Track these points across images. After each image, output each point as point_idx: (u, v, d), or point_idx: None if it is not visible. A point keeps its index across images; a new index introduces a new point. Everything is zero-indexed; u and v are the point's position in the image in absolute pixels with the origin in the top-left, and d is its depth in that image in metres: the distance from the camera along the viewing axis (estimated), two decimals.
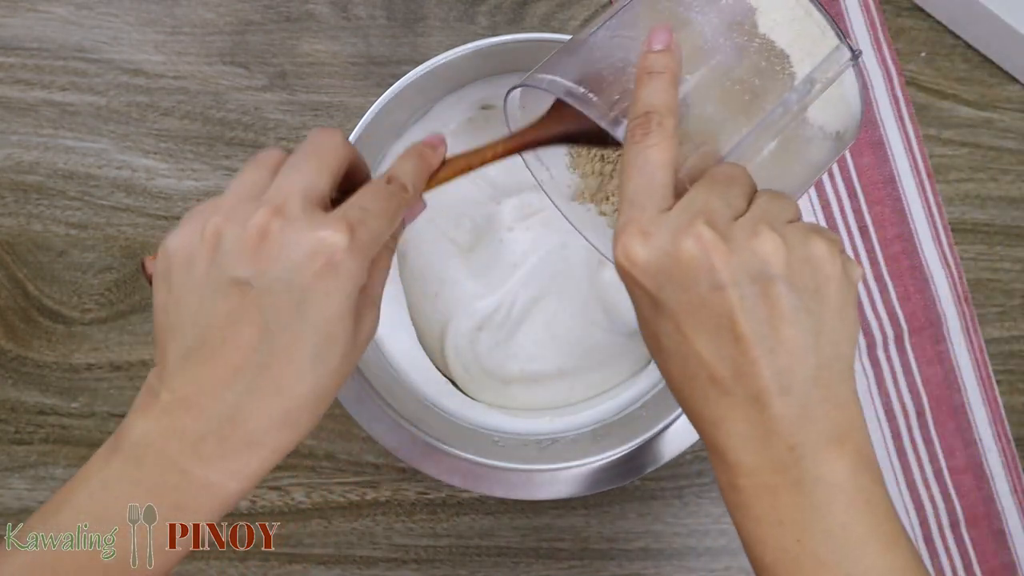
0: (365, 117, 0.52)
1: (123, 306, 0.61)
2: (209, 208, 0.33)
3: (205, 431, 0.32)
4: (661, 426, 0.51)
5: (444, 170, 0.38)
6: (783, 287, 0.31)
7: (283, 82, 0.61)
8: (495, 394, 0.57)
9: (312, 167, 0.34)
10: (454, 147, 0.57)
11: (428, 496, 0.60)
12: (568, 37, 0.52)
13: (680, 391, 0.33)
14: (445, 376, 0.57)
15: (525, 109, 0.43)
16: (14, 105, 0.61)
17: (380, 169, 0.56)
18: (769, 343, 0.31)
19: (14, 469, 0.60)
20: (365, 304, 0.34)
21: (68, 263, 0.61)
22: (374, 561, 0.60)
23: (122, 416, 0.61)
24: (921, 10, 0.63)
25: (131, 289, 0.61)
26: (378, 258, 0.35)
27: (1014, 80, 0.63)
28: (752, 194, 0.33)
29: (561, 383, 0.57)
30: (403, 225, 0.37)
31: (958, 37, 0.63)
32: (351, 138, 0.52)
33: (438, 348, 0.57)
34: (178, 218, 0.61)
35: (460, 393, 0.57)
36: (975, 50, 0.63)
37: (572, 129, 0.40)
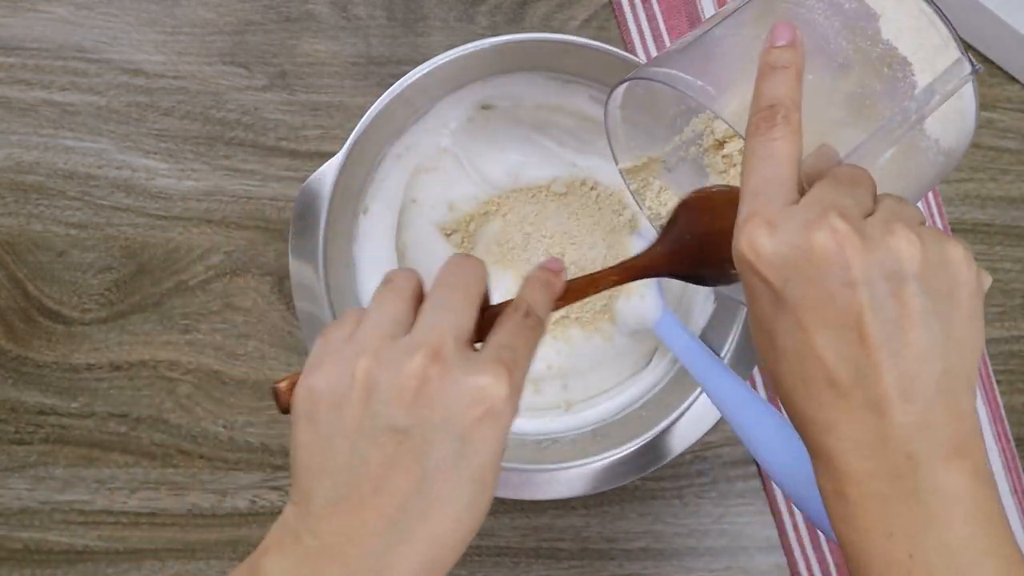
0: (365, 117, 0.52)
1: (123, 306, 0.61)
2: (347, 345, 0.32)
3: None
4: (661, 426, 0.51)
5: (562, 299, 0.37)
6: (916, 288, 0.29)
7: (283, 82, 0.61)
8: None
9: (460, 304, 0.33)
10: (455, 147, 0.57)
11: None
12: (568, 37, 0.52)
13: (791, 393, 0.32)
14: None
15: (624, 110, 0.42)
16: (14, 105, 0.61)
17: (378, 171, 0.56)
18: (895, 345, 0.29)
19: (14, 469, 0.60)
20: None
21: (68, 263, 0.61)
22: None
23: (122, 416, 0.61)
24: None
25: (131, 289, 0.61)
26: None
27: (1014, 80, 0.63)
28: (876, 197, 0.32)
29: (560, 383, 0.57)
30: None
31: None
32: (351, 138, 0.52)
33: None
34: (178, 218, 0.61)
35: None
36: (975, 50, 0.63)
37: (683, 267, 0.40)
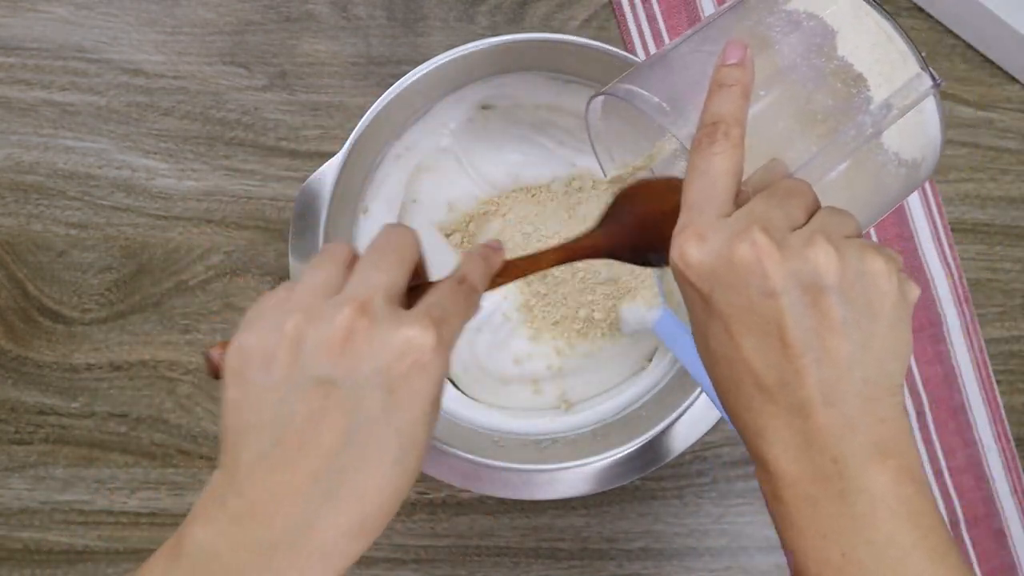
0: (365, 117, 0.52)
1: (123, 306, 0.61)
2: (283, 304, 0.32)
3: (277, 541, 0.30)
4: (661, 426, 0.51)
5: (502, 275, 0.39)
6: (835, 298, 0.31)
7: (283, 82, 0.61)
8: (494, 394, 0.57)
9: (392, 263, 0.33)
10: (455, 147, 0.57)
11: (428, 496, 0.60)
12: (568, 37, 0.52)
13: (726, 397, 0.33)
14: (445, 376, 0.57)
15: (607, 120, 0.43)
16: (14, 105, 0.61)
17: (378, 171, 0.56)
18: (816, 353, 0.31)
19: (14, 469, 0.60)
20: (438, 401, 0.34)
21: (68, 263, 0.61)
22: (374, 561, 0.60)
23: (122, 416, 0.61)
24: (921, 10, 0.63)
25: (131, 289, 0.61)
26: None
27: (1014, 80, 0.63)
28: (814, 209, 0.33)
29: (560, 383, 0.57)
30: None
31: (958, 37, 0.63)
32: (351, 138, 0.52)
33: None
34: (178, 218, 0.61)
35: (460, 393, 0.57)
36: (975, 50, 0.63)
37: (627, 243, 0.41)
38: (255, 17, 0.62)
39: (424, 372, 0.31)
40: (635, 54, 0.61)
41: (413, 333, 0.31)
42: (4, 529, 0.60)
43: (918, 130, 0.38)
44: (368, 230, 0.57)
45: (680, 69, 0.38)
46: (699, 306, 0.33)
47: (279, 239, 0.61)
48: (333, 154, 0.53)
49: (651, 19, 0.62)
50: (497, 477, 0.52)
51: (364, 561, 0.60)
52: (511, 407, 0.57)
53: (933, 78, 0.37)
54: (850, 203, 0.36)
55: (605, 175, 0.46)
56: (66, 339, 0.61)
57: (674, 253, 0.33)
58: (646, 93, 0.36)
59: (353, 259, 0.34)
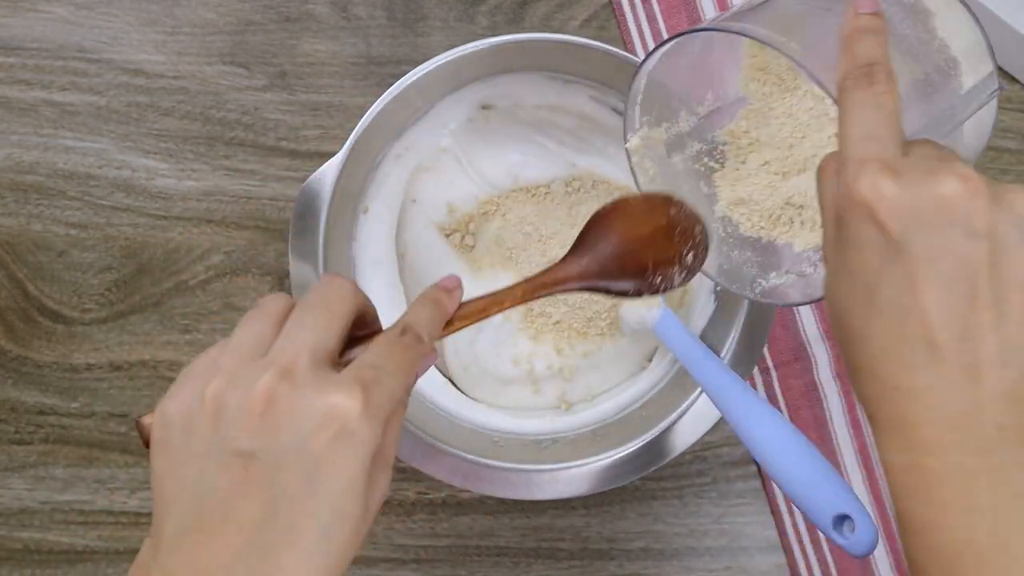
0: (365, 117, 0.52)
1: (123, 306, 0.61)
2: (209, 367, 0.31)
3: None
4: (661, 426, 0.51)
5: (459, 317, 0.36)
6: None
7: (283, 82, 0.61)
8: (495, 394, 0.57)
9: (321, 322, 0.32)
10: (455, 147, 0.57)
11: (428, 496, 0.60)
12: (568, 37, 0.52)
13: (879, 355, 0.30)
14: (445, 376, 0.57)
15: (644, 102, 0.42)
16: (14, 105, 0.61)
17: (378, 171, 0.56)
18: (1003, 307, 0.28)
19: (14, 469, 0.60)
20: (378, 468, 0.31)
21: (68, 263, 0.61)
22: (374, 561, 0.60)
23: (122, 416, 0.61)
24: None
25: (131, 289, 0.61)
26: (391, 416, 0.31)
27: (1014, 80, 0.63)
28: None
29: (560, 383, 0.57)
30: (415, 378, 0.34)
31: None
32: (351, 138, 0.52)
33: (437, 348, 0.57)
34: (178, 218, 0.61)
35: (460, 393, 0.57)
36: None
37: (599, 273, 0.39)
38: (255, 17, 0.62)
39: (349, 441, 0.29)
40: (635, 54, 0.61)
41: (337, 400, 0.29)
42: (4, 529, 0.60)
43: (980, 127, 0.37)
44: (368, 230, 0.57)
45: (791, 17, 0.36)
46: (878, 249, 0.29)
47: (279, 239, 0.61)
48: (333, 154, 0.53)
49: (651, 19, 0.62)
50: (497, 477, 0.52)
51: (364, 561, 0.60)
52: (511, 407, 0.57)
53: (998, 81, 0.36)
54: None
55: (626, 140, 0.45)
56: (66, 339, 0.61)
57: (862, 187, 0.29)
58: (767, 31, 0.34)
59: (287, 313, 0.33)
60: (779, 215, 0.45)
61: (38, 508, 0.60)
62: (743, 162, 0.47)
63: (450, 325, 0.36)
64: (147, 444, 0.32)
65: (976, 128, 0.37)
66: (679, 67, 0.44)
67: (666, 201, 0.40)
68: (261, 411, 0.29)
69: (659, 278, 0.39)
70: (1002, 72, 0.63)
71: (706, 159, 0.47)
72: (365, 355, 0.32)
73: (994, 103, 0.37)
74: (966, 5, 0.37)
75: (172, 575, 0.29)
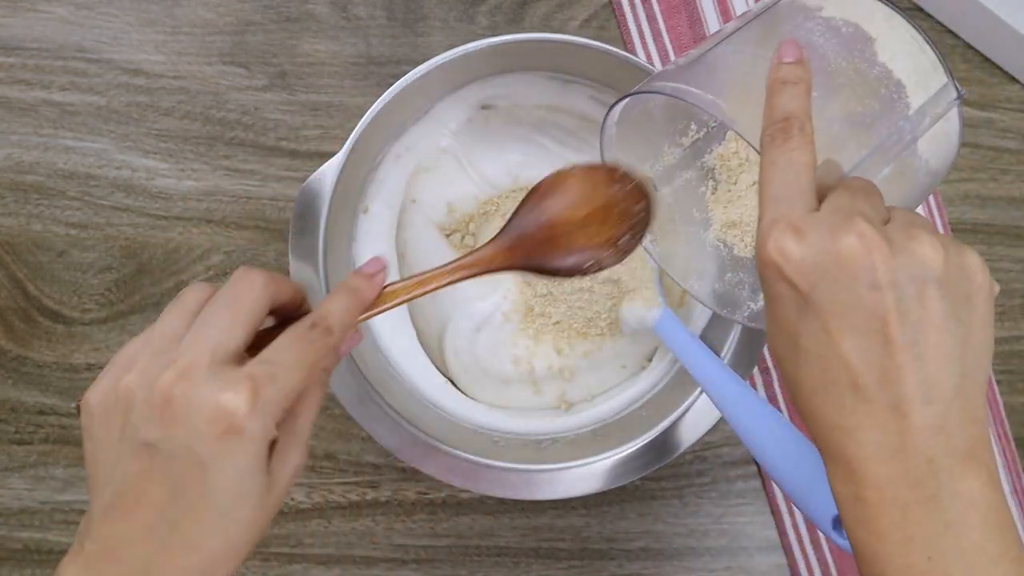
0: (365, 117, 0.52)
1: (123, 306, 0.61)
2: (127, 360, 0.34)
3: None
4: (661, 426, 0.51)
5: (381, 301, 0.37)
6: (937, 291, 0.30)
7: (283, 82, 0.61)
8: (495, 394, 0.57)
9: (224, 320, 0.34)
10: (455, 147, 0.57)
11: (428, 496, 0.60)
12: (568, 37, 0.52)
13: (811, 397, 0.32)
14: (445, 376, 0.57)
15: (619, 128, 0.42)
16: (14, 105, 0.61)
17: (378, 171, 0.56)
18: (919, 348, 0.30)
19: (14, 469, 0.60)
20: (288, 444, 0.35)
21: (68, 263, 0.61)
22: (374, 561, 0.60)
23: None
24: (921, 10, 0.63)
25: (131, 289, 0.61)
26: (306, 393, 0.35)
27: (1014, 80, 0.63)
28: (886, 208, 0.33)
29: (560, 383, 0.57)
30: (337, 359, 0.37)
31: (958, 37, 0.63)
32: (351, 138, 0.52)
33: (437, 348, 0.57)
34: (178, 218, 0.61)
35: (460, 393, 0.57)
36: (975, 50, 0.63)
37: (527, 261, 0.39)
38: (255, 17, 0.62)
39: (236, 437, 0.32)
40: (635, 54, 0.61)
41: (226, 398, 0.32)
42: (4, 529, 0.60)
43: (944, 140, 0.38)
44: (368, 229, 0.57)
45: (724, 69, 0.37)
46: (792, 304, 0.32)
47: (279, 239, 0.61)
48: (333, 154, 0.53)
49: (651, 19, 0.62)
50: (497, 477, 0.52)
51: (364, 561, 0.60)
52: (511, 407, 0.57)
53: (957, 89, 0.37)
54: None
55: None
56: (66, 339, 0.61)
57: (769, 248, 0.31)
58: (698, 90, 0.36)
59: (203, 305, 0.35)
60: None
61: (38, 508, 0.60)
62: (734, 183, 0.47)
63: (371, 308, 0.37)
64: None
65: (940, 140, 0.38)
66: (650, 108, 0.44)
67: (609, 175, 0.39)
68: (161, 407, 0.32)
69: (590, 262, 0.39)
70: (1000, 71, 0.63)
71: (698, 186, 0.47)
72: (265, 351, 0.34)
73: (954, 113, 0.37)
74: (910, 23, 0.37)
75: (100, 544, 0.33)
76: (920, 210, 0.62)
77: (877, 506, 0.30)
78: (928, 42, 0.37)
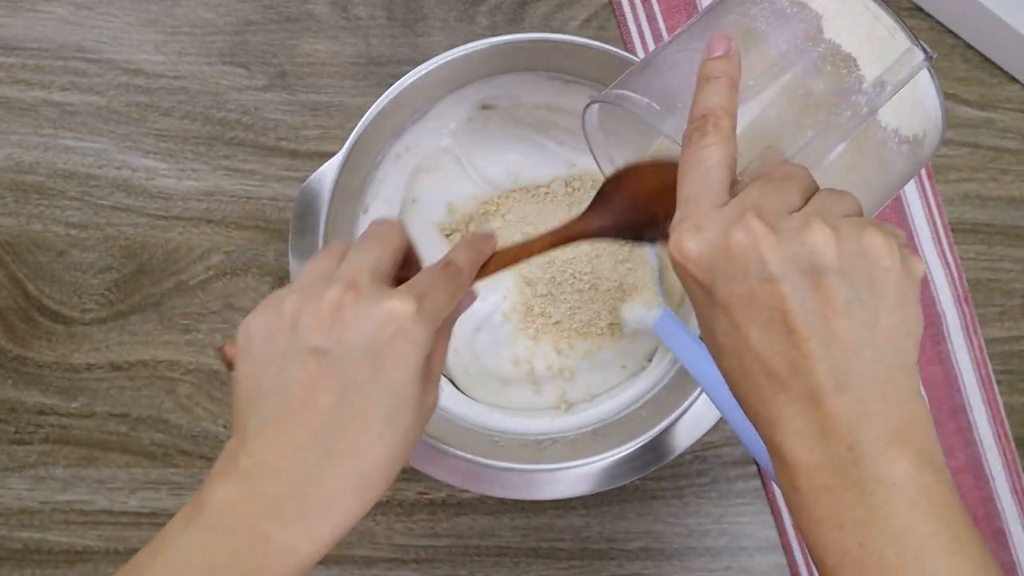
0: (365, 117, 0.52)
1: (123, 306, 0.61)
2: (283, 294, 0.36)
3: (285, 494, 0.33)
4: (661, 426, 0.51)
5: (494, 262, 0.40)
6: (835, 279, 0.30)
7: (283, 82, 0.61)
8: (495, 394, 0.57)
9: (377, 249, 0.37)
10: (455, 147, 0.57)
11: (428, 496, 0.60)
12: (568, 37, 0.52)
13: (737, 388, 0.33)
14: (445, 376, 0.57)
15: (605, 124, 0.44)
16: (14, 105, 0.61)
17: (378, 171, 0.56)
18: (822, 335, 0.30)
19: (14, 469, 0.60)
20: (429, 376, 0.36)
21: (68, 263, 0.61)
22: (374, 561, 0.60)
23: (122, 416, 0.61)
24: (921, 10, 0.63)
25: (131, 289, 0.61)
26: (439, 335, 0.37)
27: (1014, 80, 0.63)
28: (811, 192, 0.33)
29: (560, 383, 0.57)
30: (459, 310, 0.40)
31: (958, 37, 0.63)
32: (351, 138, 0.52)
33: None
34: (178, 218, 0.61)
35: (460, 393, 0.57)
36: (975, 50, 0.63)
37: (615, 223, 0.42)
38: (255, 17, 0.62)
39: (406, 339, 0.34)
40: (635, 54, 0.61)
41: (394, 304, 0.34)
42: (4, 529, 0.60)
43: (916, 105, 0.37)
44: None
45: (668, 69, 0.38)
46: (702, 299, 0.33)
47: (279, 239, 0.61)
48: (333, 154, 0.53)
49: (651, 19, 0.62)
50: (497, 477, 0.52)
51: (364, 561, 0.60)
52: (511, 407, 0.57)
53: (925, 51, 0.36)
54: (856, 185, 0.36)
55: (603, 173, 0.46)
56: (66, 339, 0.61)
57: (672, 247, 0.33)
58: (635, 95, 0.37)
59: (347, 251, 0.38)
60: None
61: (38, 508, 0.60)
62: None
63: (485, 269, 0.40)
64: (229, 367, 0.36)
65: (911, 107, 0.37)
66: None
67: (672, 165, 0.43)
68: (331, 316, 0.34)
69: (662, 226, 0.42)
70: (1000, 71, 0.63)
71: None
72: (416, 277, 0.37)
73: (924, 75, 0.37)
74: None
75: (258, 458, 0.33)
76: (920, 210, 0.62)
77: (809, 494, 0.31)
78: (884, 8, 0.36)
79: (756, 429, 0.33)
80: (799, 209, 0.32)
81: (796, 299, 0.30)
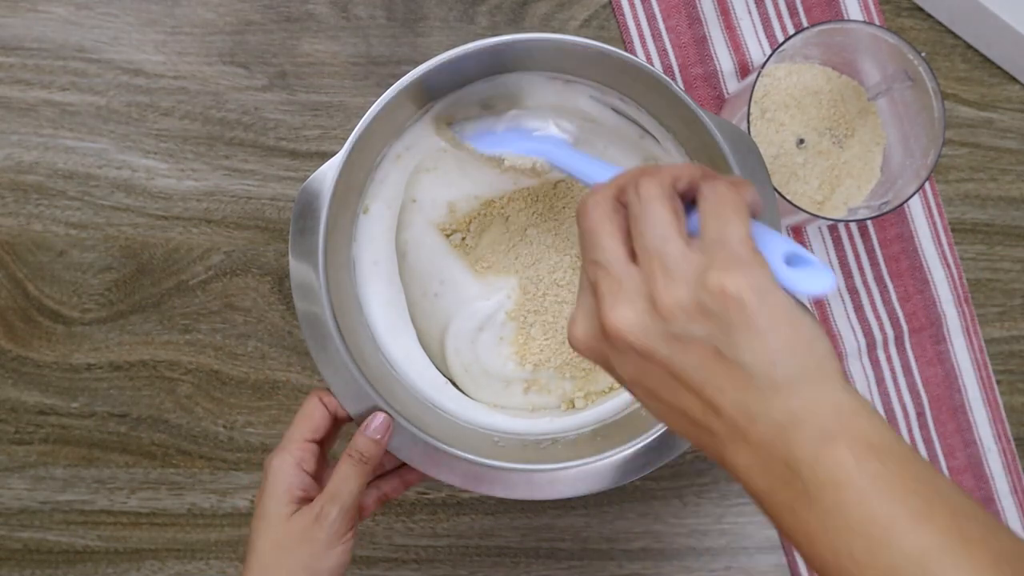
0: (365, 117, 0.52)
1: (123, 306, 0.61)
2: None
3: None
4: (661, 426, 0.51)
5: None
6: (698, 331, 0.32)
7: (283, 82, 0.61)
8: (496, 394, 0.57)
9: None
10: (455, 147, 0.57)
11: (428, 496, 0.60)
12: (568, 37, 0.52)
13: (688, 440, 0.35)
14: (445, 376, 0.57)
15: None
16: (14, 105, 0.61)
17: (378, 171, 0.56)
18: (712, 381, 0.32)
19: (14, 469, 0.60)
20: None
21: (68, 263, 0.61)
22: (374, 561, 0.60)
23: (122, 416, 0.61)
24: (921, 10, 0.63)
25: (131, 289, 0.61)
26: None
27: (1014, 80, 0.63)
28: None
29: (561, 383, 0.57)
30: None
31: (958, 37, 0.63)
32: (351, 138, 0.52)
33: (439, 348, 0.57)
34: (178, 218, 0.61)
35: (460, 393, 0.57)
36: (975, 50, 0.63)
37: None
38: (255, 17, 0.62)
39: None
40: (635, 54, 0.61)
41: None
42: (4, 529, 0.60)
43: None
44: (368, 229, 0.57)
45: None
46: (612, 374, 0.36)
47: (279, 239, 0.61)
48: (333, 154, 0.53)
49: (651, 19, 0.62)
50: (497, 477, 0.52)
51: (364, 561, 0.60)
52: (511, 407, 0.57)
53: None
54: None
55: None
56: (66, 339, 0.61)
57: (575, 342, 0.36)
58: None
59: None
60: None
61: (38, 508, 0.60)
62: None
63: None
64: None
65: None
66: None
67: None
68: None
69: None
70: (1000, 71, 0.63)
71: None
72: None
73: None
74: None
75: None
76: (920, 210, 0.62)
77: (775, 515, 0.32)
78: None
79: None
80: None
81: (675, 362, 0.32)
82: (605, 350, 0.34)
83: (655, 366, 0.33)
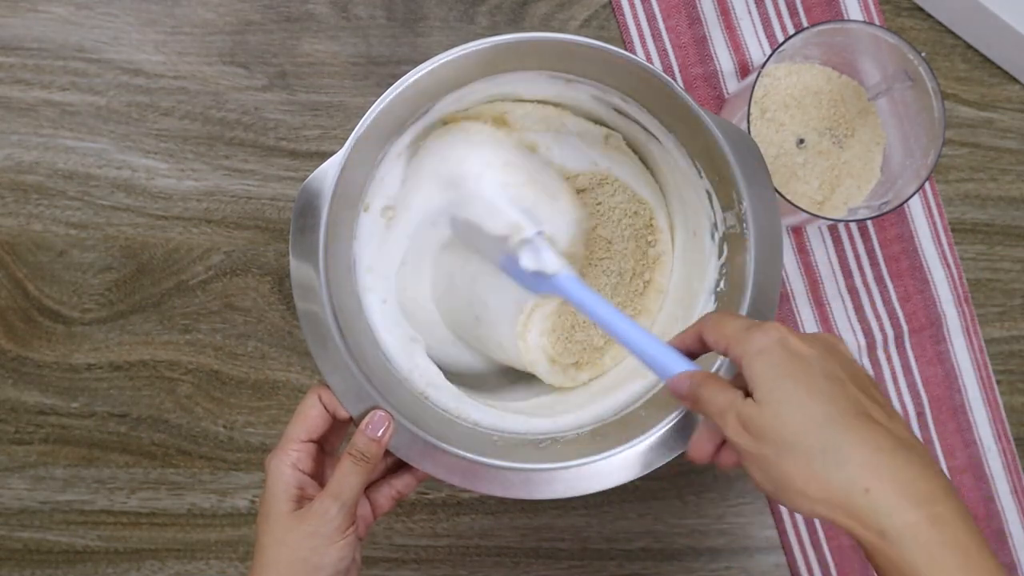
0: (365, 117, 0.52)
1: (123, 306, 0.61)
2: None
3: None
4: (661, 426, 0.51)
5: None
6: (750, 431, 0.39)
7: (283, 82, 0.61)
8: (495, 393, 0.57)
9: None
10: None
11: (428, 496, 0.60)
12: (568, 37, 0.52)
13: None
14: (445, 376, 0.57)
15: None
16: (14, 105, 0.61)
17: (378, 171, 0.56)
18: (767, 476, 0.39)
19: (14, 469, 0.60)
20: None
21: (68, 263, 0.61)
22: (374, 561, 0.60)
23: (122, 416, 0.61)
24: (921, 10, 0.63)
25: (131, 289, 0.61)
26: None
27: (1014, 80, 0.63)
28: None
29: (562, 381, 0.57)
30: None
31: (958, 37, 0.63)
32: (351, 138, 0.52)
33: (436, 348, 0.57)
34: (178, 218, 0.61)
35: (459, 392, 0.57)
36: (975, 50, 0.63)
37: None
38: (255, 17, 0.62)
39: None
40: (635, 54, 0.61)
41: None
42: (4, 529, 0.60)
43: None
44: (369, 227, 0.57)
45: None
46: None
47: (279, 239, 0.61)
48: (333, 154, 0.53)
49: (651, 19, 0.62)
50: (497, 477, 0.52)
51: (364, 561, 0.60)
52: (512, 406, 0.57)
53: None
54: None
55: None
56: (66, 339, 0.61)
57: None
58: None
59: None
60: None
61: (38, 508, 0.60)
62: None
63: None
64: None
65: None
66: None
67: None
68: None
69: None
70: (1000, 71, 0.63)
71: None
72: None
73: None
74: None
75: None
76: (920, 210, 0.62)
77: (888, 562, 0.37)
78: None
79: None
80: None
81: (755, 466, 0.39)
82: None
83: (760, 456, 0.39)
